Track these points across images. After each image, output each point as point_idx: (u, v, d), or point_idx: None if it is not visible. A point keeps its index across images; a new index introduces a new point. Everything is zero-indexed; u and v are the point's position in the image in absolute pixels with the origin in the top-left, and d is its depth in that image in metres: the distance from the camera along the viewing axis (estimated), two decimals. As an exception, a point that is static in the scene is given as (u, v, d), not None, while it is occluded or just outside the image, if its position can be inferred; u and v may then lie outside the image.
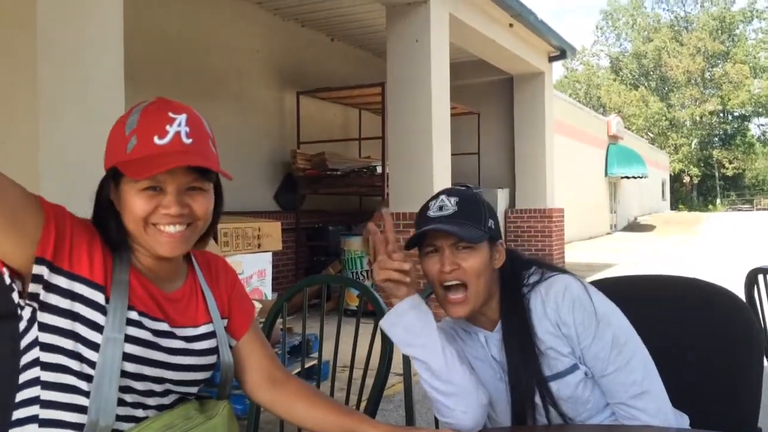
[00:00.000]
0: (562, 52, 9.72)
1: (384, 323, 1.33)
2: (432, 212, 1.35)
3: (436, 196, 1.37)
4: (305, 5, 7.26)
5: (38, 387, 1.05)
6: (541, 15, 8.27)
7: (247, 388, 1.31)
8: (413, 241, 1.35)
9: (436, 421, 1.49)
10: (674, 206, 36.37)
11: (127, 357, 1.07)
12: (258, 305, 4.50)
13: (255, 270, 5.09)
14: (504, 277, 1.40)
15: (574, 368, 1.32)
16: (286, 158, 7.50)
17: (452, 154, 6.63)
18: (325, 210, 8.06)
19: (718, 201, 44.74)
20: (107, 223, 1.12)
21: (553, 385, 1.32)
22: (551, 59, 9.77)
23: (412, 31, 6.16)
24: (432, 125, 6.09)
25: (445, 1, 6.41)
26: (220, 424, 1.15)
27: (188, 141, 1.10)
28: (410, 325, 1.30)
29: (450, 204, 1.34)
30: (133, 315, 1.09)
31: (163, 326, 1.14)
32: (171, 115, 1.10)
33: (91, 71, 2.80)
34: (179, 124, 1.10)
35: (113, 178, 1.11)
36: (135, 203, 1.09)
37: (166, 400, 1.15)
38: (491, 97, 9.96)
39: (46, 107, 2.61)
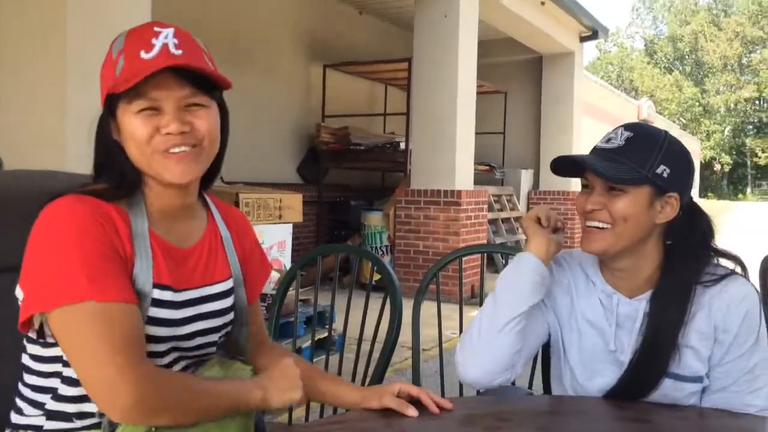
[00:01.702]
0: (594, 32, 9.53)
1: (511, 262, 1.29)
2: (600, 143, 1.24)
3: (617, 127, 1.25)
4: (334, -23, 7.21)
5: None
6: (574, -7, 8.12)
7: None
8: (562, 170, 1.27)
9: (443, 393, 1.50)
10: (703, 194, 35.78)
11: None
12: (276, 275, 4.55)
13: (275, 241, 5.13)
14: (676, 248, 1.26)
15: (698, 380, 1.23)
16: (311, 131, 7.51)
17: (477, 133, 6.58)
18: (348, 184, 8.08)
19: (749, 190, 43.86)
20: (116, 163, 1.05)
21: (670, 384, 1.22)
22: (583, 39, 9.59)
23: (441, 6, 6.08)
24: (457, 103, 6.04)
25: (476, -23, 6.32)
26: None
27: (177, 52, 1.02)
28: (520, 281, 1.25)
29: (619, 138, 1.22)
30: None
31: (167, 295, 1.07)
32: (156, 29, 1.04)
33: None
34: (166, 37, 1.03)
35: (110, 110, 1.04)
36: (134, 126, 1.02)
37: (177, 367, 1.11)
38: (519, 76, 9.83)
39: (73, 72, 2.64)
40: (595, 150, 1.24)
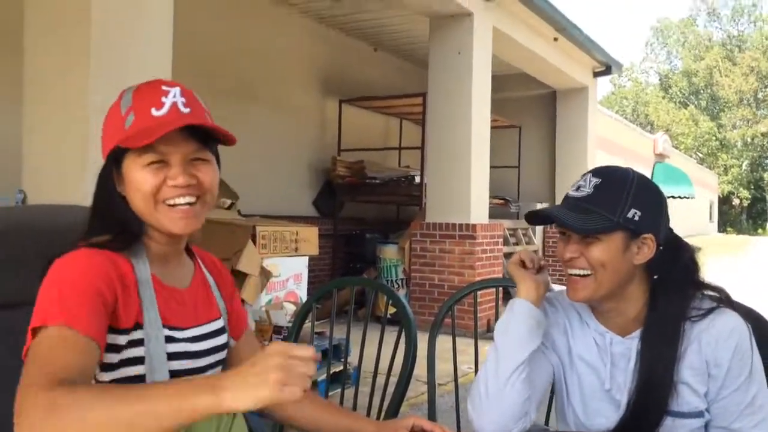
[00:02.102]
0: (607, 67, 9.58)
1: (505, 312, 1.30)
2: (571, 191, 1.26)
3: (587, 173, 1.27)
4: (350, 15, 7.34)
5: None
6: (588, 30, 8.20)
7: None
8: (536, 220, 1.30)
9: (458, 428, 1.50)
10: (722, 229, 35.41)
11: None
12: (292, 307, 4.56)
13: (291, 274, 5.15)
14: (661, 284, 1.27)
15: (698, 415, 1.22)
16: (327, 165, 7.58)
17: (492, 167, 6.60)
18: (363, 218, 8.12)
19: (768, 225, 43.33)
20: (118, 213, 1.10)
21: (671, 422, 1.21)
22: (596, 74, 9.64)
23: (455, 43, 6.18)
24: (471, 137, 6.09)
25: (489, 14, 6.41)
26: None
27: (186, 110, 1.08)
28: (516, 329, 1.26)
29: (588, 185, 1.24)
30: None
31: (176, 333, 1.11)
32: (164, 88, 1.10)
33: (140, 73, 2.90)
34: (174, 95, 1.09)
35: (115, 162, 1.09)
36: (142, 178, 1.07)
37: None
38: (533, 110, 9.89)
39: (94, 107, 2.71)
40: (567, 199, 1.27)
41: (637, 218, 1.20)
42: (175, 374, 1.08)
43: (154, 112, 1.07)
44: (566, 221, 1.20)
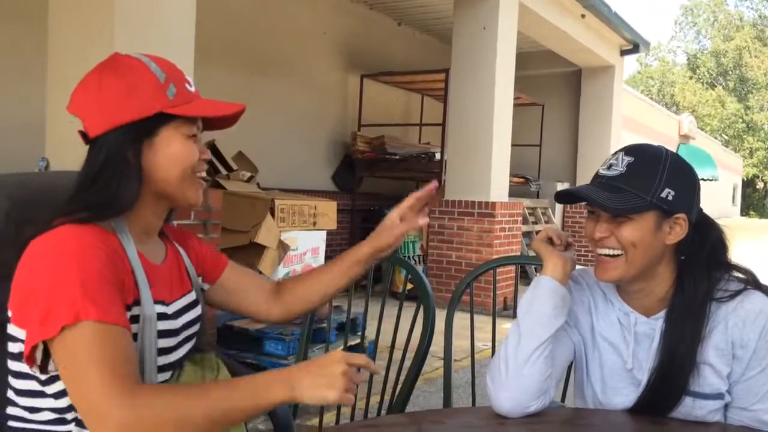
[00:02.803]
0: (635, 46, 9.41)
1: (530, 288, 1.28)
2: (602, 169, 1.23)
3: (618, 151, 1.24)
4: (374, -12, 7.29)
5: None
6: (615, 7, 8.05)
7: (260, 310, 1.33)
8: (566, 199, 1.26)
9: (474, 403, 1.50)
10: (744, 212, 34.92)
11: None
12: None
13: (309, 247, 5.18)
14: (688, 264, 1.25)
15: (718, 396, 1.22)
16: (347, 140, 7.57)
17: (513, 145, 6.55)
18: (382, 193, 8.11)
19: (793, 210, 42.63)
20: (131, 181, 1.05)
21: (690, 402, 1.21)
22: (623, 53, 9.48)
23: (480, 18, 6.09)
24: (494, 114, 6.03)
25: (516, -11, 6.31)
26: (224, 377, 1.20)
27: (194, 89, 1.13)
28: (541, 306, 1.24)
29: (620, 164, 1.21)
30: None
31: (164, 308, 1.11)
32: (177, 66, 1.13)
33: (164, 46, 2.90)
34: (187, 76, 1.13)
35: (147, 130, 1.05)
36: (189, 150, 1.09)
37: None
38: (557, 89, 9.76)
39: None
40: (597, 177, 1.24)
41: (670, 198, 1.18)
42: (162, 352, 1.09)
43: (188, 87, 1.10)
44: (598, 200, 1.17)
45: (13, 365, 1.03)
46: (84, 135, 1.08)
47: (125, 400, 0.88)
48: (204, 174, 1.14)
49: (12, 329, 1.00)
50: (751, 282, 1.25)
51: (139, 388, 0.91)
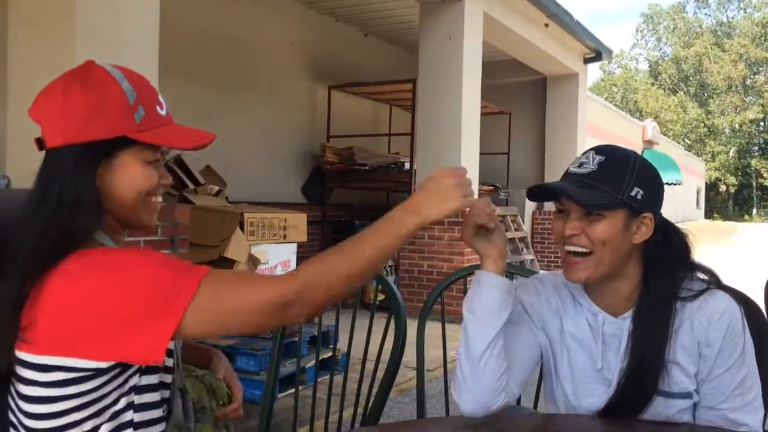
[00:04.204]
0: (597, 53, 9.58)
1: (471, 287, 1.26)
2: (572, 167, 1.25)
3: (588, 151, 1.26)
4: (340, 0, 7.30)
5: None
6: (578, 16, 8.20)
7: None
8: (538, 195, 1.26)
9: (447, 413, 1.50)
10: (708, 215, 35.68)
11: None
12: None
13: (280, 260, 5.14)
14: (652, 264, 1.26)
15: (687, 395, 1.23)
16: (316, 151, 7.55)
17: (482, 153, 6.60)
18: (352, 204, 8.10)
19: (755, 211, 43.72)
20: (90, 204, 1.03)
21: (660, 402, 1.23)
22: (586, 61, 9.64)
23: (446, 28, 6.14)
24: (461, 123, 6.08)
25: (480, 0, 6.38)
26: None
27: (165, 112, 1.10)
28: (483, 305, 1.22)
29: (591, 162, 1.23)
30: None
31: None
32: (151, 84, 1.11)
33: (127, 57, 2.87)
34: (160, 95, 1.11)
35: (106, 152, 1.03)
36: (147, 175, 1.07)
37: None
38: (523, 97, 9.88)
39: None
40: (569, 175, 1.25)
41: (639, 197, 1.21)
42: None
43: (159, 111, 1.08)
44: (576, 197, 1.18)
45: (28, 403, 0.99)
46: (40, 142, 1.05)
47: (290, 284, 0.99)
48: (160, 198, 1.13)
49: (36, 359, 0.96)
50: (714, 282, 1.27)
51: (293, 272, 1.02)
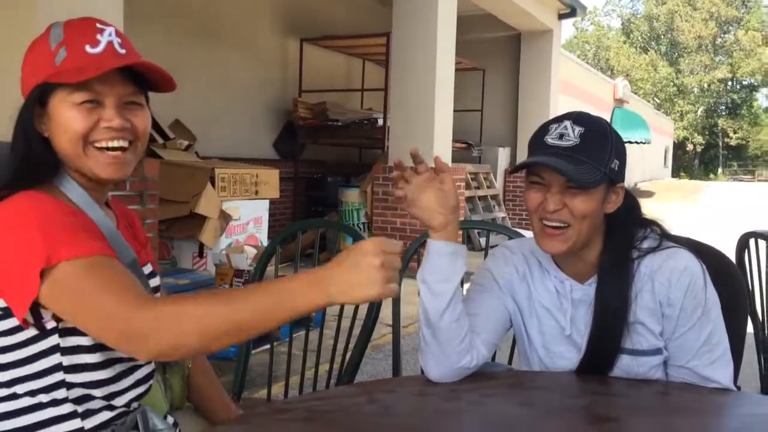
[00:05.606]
0: (572, 9, 9.53)
1: (424, 258, 1.24)
2: (550, 139, 1.20)
3: (560, 120, 1.22)
4: (312, -51, 7.09)
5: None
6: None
7: None
8: (520, 167, 1.23)
9: (422, 371, 1.50)
10: (675, 174, 36.30)
11: None
12: (253, 251, 4.52)
13: (251, 217, 5.10)
14: (612, 228, 1.27)
15: (656, 352, 1.25)
16: (288, 106, 7.42)
17: (455, 110, 6.56)
18: (325, 160, 8.03)
19: (720, 170, 44.63)
20: (36, 153, 1.03)
21: (629, 360, 1.24)
22: (561, 17, 9.58)
23: (421, -20, 6.01)
24: (436, 79, 6.00)
25: (456, -49, 6.24)
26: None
27: (122, 51, 1.03)
28: (434, 272, 1.21)
29: (572, 134, 1.19)
30: None
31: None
32: (99, 26, 1.04)
33: (90, 6, 2.74)
34: (110, 35, 1.03)
35: (40, 100, 1.02)
36: (73, 118, 1.01)
37: None
38: (497, 53, 9.81)
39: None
40: (549, 147, 1.20)
41: (616, 168, 1.21)
42: None
43: (89, 49, 1.01)
44: (568, 173, 1.16)
45: None
46: None
47: (146, 312, 0.87)
48: (114, 143, 1.03)
49: None
50: (664, 234, 1.29)
51: (158, 299, 0.91)
